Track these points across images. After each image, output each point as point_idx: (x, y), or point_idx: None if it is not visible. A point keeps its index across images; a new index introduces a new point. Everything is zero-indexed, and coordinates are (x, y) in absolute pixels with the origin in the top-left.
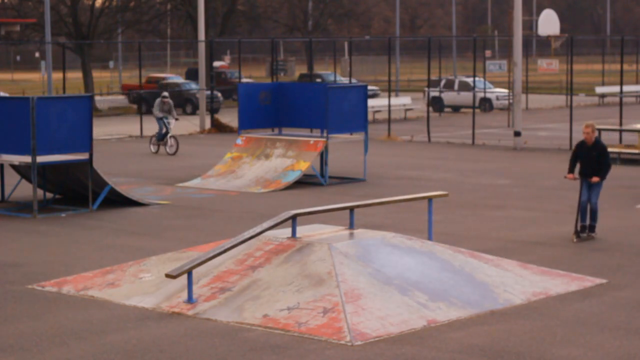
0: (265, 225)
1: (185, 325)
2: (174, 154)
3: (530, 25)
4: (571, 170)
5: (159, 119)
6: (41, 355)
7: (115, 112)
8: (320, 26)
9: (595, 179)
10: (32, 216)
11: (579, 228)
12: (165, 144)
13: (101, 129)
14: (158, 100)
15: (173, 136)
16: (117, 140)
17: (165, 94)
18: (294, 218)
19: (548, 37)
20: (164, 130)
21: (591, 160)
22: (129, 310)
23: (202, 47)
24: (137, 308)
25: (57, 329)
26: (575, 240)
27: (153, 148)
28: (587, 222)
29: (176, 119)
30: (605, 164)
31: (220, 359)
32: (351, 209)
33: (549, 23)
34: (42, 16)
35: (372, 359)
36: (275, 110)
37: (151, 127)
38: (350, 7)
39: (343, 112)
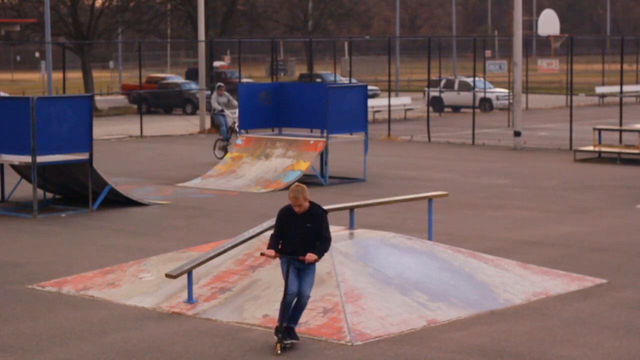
0: (265, 225)
1: (185, 325)
2: None
3: (530, 25)
4: (273, 245)
5: (219, 115)
6: (41, 355)
7: (115, 112)
8: (320, 26)
9: (310, 257)
10: (32, 216)
11: (282, 330)
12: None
13: (101, 129)
14: (214, 94)
15: (236, 131)
16: (117, 140)
17: (221, 84)
18: None
19: (548, 37)
20: (229, 125)
21: (304, 232)
22: (129, 310)
23: (202, 47)
24: (137, 308)
25: (57, 329)
26: (279, 352)
27: (219, 153)
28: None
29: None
30: (325, 237)
31: (220, 359)
32: (351, 209)
33: (549, 23)
34: (42, 16)
35: (372, 359)
36: (275, 110)
37: (151, 126)
38: (350, 7)
39: (343, 112)
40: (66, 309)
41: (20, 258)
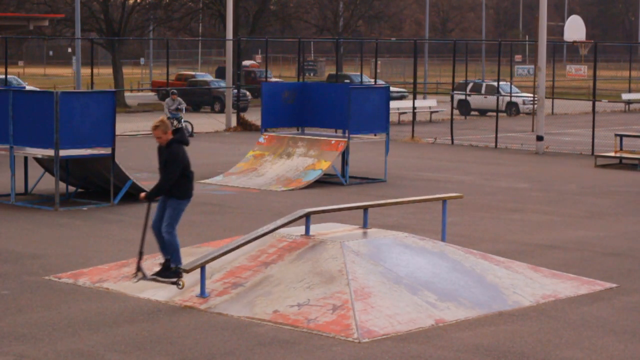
0: (279, 222)
1: (196, 319)
2: None
3: (561, 31)
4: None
5: (171, 117)
6: (53, 345)
7: (145, 108)
8: (350, 27)
9: (141, 196)
10: (53, 209)
11: (141, 263)
12: None
13: (129, 125)
14: (167, 99)
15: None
16: (143, 136)
17: (174, 90)
18: (307, 216)
19: (574, 42)
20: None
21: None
22: (142, 303)
23: (229, 46)
24: (150, 301)
25: (70, 319)
26: (135, 280)
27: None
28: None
29: None
30: (167, 172)
31: (228, 352)
32: (365, 208)
33: (574, 29)
34: (74, 12)
35: (378, 356)
36: (298, 110)
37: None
38: (381, 9)
39: (365, 112)
40: (81, 300)
41: (39, 250)
